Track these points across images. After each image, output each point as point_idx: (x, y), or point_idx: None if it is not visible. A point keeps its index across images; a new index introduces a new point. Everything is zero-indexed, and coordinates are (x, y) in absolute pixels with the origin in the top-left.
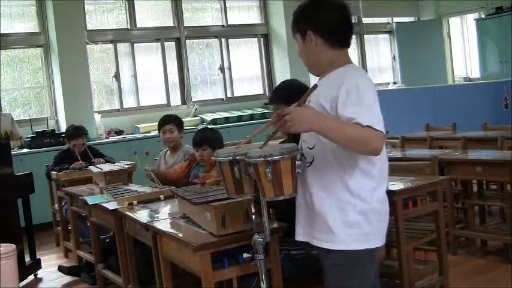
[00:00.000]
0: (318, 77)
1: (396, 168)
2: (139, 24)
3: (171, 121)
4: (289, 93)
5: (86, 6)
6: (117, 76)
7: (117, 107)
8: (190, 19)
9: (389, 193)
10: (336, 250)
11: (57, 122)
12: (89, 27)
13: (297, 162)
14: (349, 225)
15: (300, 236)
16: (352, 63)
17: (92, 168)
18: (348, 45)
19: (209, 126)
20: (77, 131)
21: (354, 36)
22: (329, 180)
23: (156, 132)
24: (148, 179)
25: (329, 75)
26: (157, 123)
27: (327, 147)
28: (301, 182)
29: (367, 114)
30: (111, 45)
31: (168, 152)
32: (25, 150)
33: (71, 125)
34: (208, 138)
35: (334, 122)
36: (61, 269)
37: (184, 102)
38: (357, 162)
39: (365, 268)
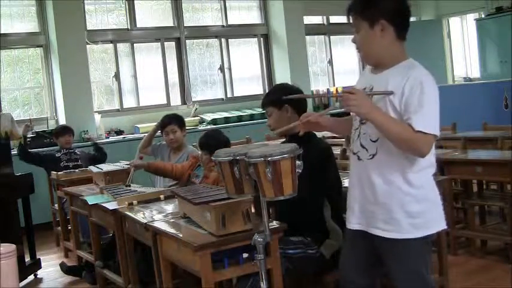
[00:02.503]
0: (371, 67)
1: None
2: (139, 24)
3: (172, 122)
4: (279, 97)
5: (86, 6)
6: (117, 76)
7: (117, 107)
8: (190, 19)
9: None
10: (401, 239)
11: (57, 122)
12: (89, 27)
13: (297, 162)
14: (412, 216)
15: (354, 224)
16: (410, 58)
17: (92, 168)
18: (405, 38)
19: (214, 127)
20: (64, 128)
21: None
22: (391, 172)
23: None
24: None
25: (393, 69)
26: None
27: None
28: (358, 172)
29: (423, 117)
30: (111, 45)
31: (172, 151)
32: None
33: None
34: (212, 143)
35: (387, 118)
36: (62, 265)
37: (184, 102)
38: None
39: (430, 251)
